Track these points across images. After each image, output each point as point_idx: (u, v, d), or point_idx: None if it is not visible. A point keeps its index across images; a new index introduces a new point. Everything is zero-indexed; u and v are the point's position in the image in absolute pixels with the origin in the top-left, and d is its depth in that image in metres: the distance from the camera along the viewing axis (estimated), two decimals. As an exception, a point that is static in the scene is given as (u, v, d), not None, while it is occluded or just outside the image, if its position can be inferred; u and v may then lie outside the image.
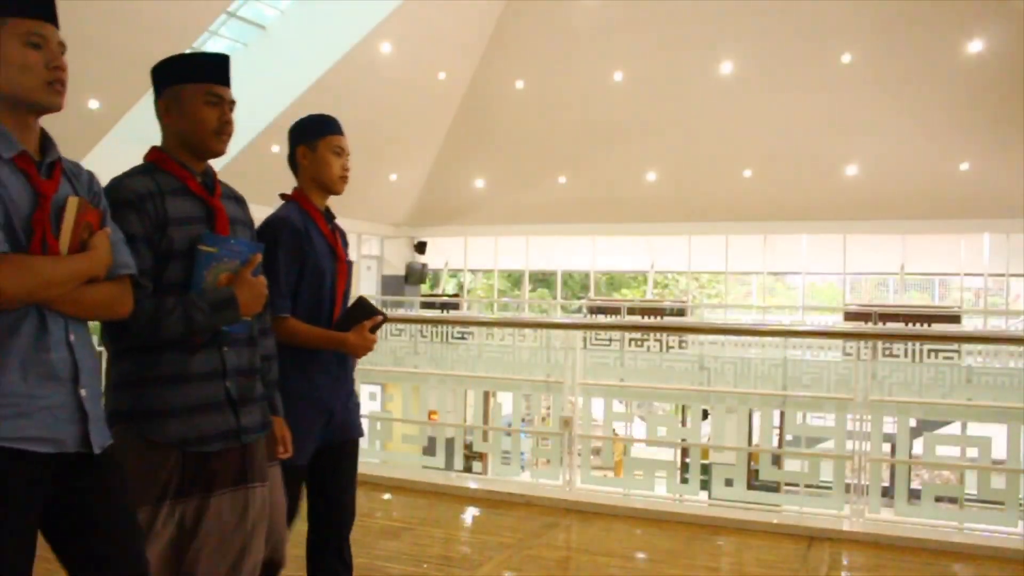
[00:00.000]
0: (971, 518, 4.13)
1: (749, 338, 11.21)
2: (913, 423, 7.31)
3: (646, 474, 4.45)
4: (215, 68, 1.79)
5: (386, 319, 2.23)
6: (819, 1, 12.31)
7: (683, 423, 6.02)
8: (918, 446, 4.66)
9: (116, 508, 1.53)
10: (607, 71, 14.11)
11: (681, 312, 15.49)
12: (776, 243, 16.14)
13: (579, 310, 17.53)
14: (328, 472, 2.22)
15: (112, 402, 1.69)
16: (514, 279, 20.17)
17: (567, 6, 13.77)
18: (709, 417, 5.07)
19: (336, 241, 2.23)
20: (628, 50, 13.74)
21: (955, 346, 9.67)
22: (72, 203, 1.46)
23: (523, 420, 5.91)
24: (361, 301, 2.20)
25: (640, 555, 3.56)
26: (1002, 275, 14.92)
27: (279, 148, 7.82)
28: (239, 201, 1.90)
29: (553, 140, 14.95)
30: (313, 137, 2.22)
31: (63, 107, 1.51)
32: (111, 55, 9.61)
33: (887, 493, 4.28)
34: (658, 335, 11.10)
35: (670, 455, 4.90)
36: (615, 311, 14.99)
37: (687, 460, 6.49)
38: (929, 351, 9.76)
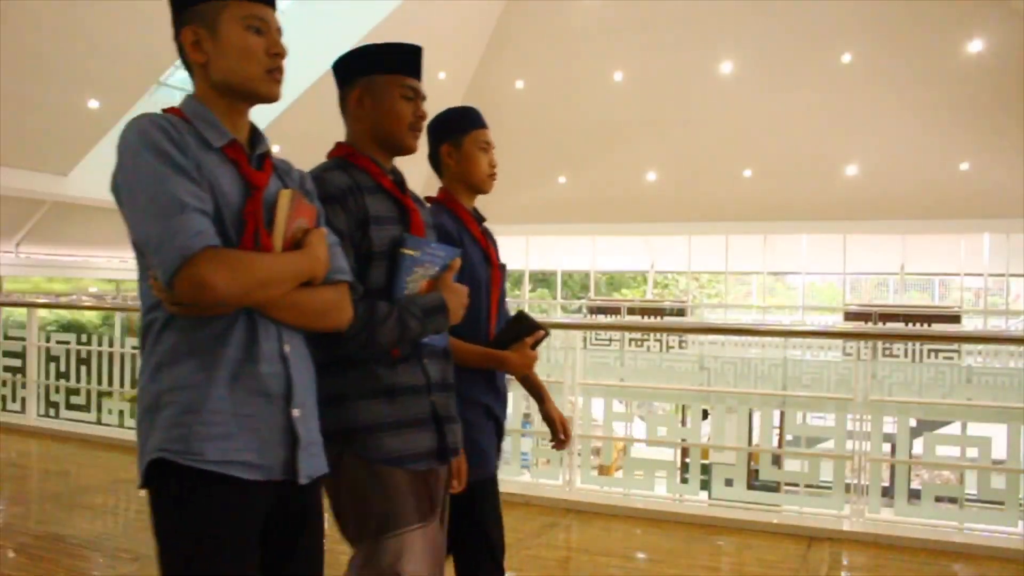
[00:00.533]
0: (971, 518, 4.12)
1: (749, 338, 11.23)
2: (913, 423, 7.30)
3: (646, 474, 4.45)
4: (411, 60, 1.66)
5: (547, 334, 2.01)
6: (819, 1, 12.32)
7: (683, 423, 6.00)
8: (918, 446, 4.65)
9: (318, 548, 1.35)
10: (607, 71, 14.11)
11: (681, 312, 15.53)
12: (776, 243, 16.15)
13: (579, 310, 17.55)
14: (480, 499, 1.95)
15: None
16: (514, 279, 20.17)
17: (567, 6, 13.77)
18: (709, 417, 5.05)
19: (488, 245, 2.04)
20: (628, 50, 13.75)
21: (955, 346, 9.68)
22: (285, 195, 1.30)
23: (524, 420, 5.89)
24: (521, 315, 2.00)
25: (640, 555, 3.56)
26: (1002, 275, 14.93)
27: (279, 148, 7.80)
28: (420, 202, 1.78)
29: (553, 140, 14.95)
30: (458, 133, 2.03)
31: (280, 98, 1.37)
32: (111, 55, 9.60)
33: (887, 493, 4.27)
34: (658, 335, 11.12)
35: (670, 455, 4.90)
36: (615, 311, 15.02)
37: (687, 460, 6.48)
38: (929, 351, 9.78)
